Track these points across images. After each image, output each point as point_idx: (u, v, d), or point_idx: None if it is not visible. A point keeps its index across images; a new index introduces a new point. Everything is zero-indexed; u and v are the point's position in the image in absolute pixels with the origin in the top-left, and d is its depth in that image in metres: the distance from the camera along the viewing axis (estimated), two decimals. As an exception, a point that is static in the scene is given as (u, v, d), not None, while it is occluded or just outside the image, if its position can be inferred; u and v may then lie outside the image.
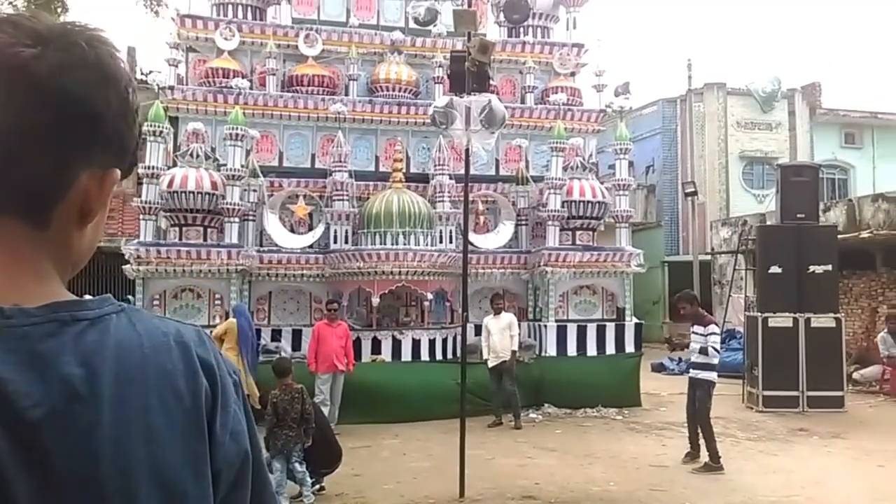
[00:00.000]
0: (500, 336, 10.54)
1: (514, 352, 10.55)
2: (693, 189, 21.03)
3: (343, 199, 12.22)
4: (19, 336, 0.71)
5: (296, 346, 11.67)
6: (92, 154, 0.81)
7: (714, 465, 8.04)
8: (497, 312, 10.78)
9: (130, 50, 19.59)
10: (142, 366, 0.76)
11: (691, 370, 8.57)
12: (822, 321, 11.75)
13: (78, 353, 0.73)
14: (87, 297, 0.82)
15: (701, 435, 8.21)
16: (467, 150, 7.43)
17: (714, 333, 8.26)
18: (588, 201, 12.57)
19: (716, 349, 8.25)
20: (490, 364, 10.57)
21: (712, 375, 8.33)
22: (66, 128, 0.78)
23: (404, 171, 12.76)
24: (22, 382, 0.68)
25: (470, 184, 12.39)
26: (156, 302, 11.47)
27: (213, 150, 12.22)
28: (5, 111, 0.75)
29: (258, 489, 0.86)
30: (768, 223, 16.20)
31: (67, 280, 0.84)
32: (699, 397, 8.30)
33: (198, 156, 11.73)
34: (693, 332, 8.40)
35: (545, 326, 12.27)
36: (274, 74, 12.93)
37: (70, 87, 0.77)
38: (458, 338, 10.65)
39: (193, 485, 0.77)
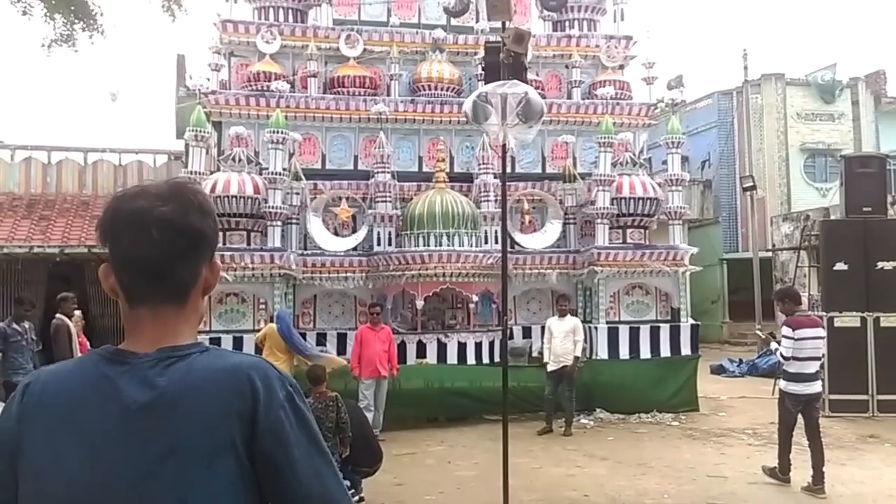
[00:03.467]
0: (563, 340, 10.28)
1: (576, 358, 10.29)
2: (752, 183, 20.34)
3: (386, 201, 12.16)
4: (136, 368, 1.32)
5: (341, 349, 11.63)
6: (207, 257, 1.42)
7: (781, 476, 7.53)
8: (562, 315, 10.53)
9: (180, 58, 19.89)
10: (200, 383, 1.32)
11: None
12: (893, 320, 11.10)
13: (165, 374, 1.32)
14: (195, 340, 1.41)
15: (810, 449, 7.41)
16: (504, 146, 7.12)
17: (784, 336, 7.41)
18: (639, 198, 12.27)
19: (782, 354, 7.49)
20: (550, 368, 10.34)
21: (783, 385, 7.49)
22: (194, 246, 1.37)
23: (448, 170, 12.65)
24: (130, 391, 1.30)
25: (516, 182, 12.84)
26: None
27: (255, 153, 12.24)
28: (160, 243, 1.34)
29: (290, 462, 1.35)
30: (832, 217, 15.51)
31: (198, 327, 1.46)
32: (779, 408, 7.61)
33: (240, 160, 11.75)
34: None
35: (596, 328, 11.99)
36: (315, 76, 12.92)
37: (192, 223, 1.36)
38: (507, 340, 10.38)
39: (222, 455, 1.30)
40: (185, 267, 1.38)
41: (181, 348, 1.37)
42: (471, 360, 11.68)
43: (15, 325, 8.29)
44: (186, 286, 1.40)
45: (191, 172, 11.53)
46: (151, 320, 1.38)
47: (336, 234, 12.44)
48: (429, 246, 11.75)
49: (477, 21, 13.39)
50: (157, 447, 1.29)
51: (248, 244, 11.63)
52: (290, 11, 13.63)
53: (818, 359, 7.49)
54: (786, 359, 7.37)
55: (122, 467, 1.29)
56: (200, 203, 1.41)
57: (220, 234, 11.35)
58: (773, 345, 7.91)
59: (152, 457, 1.29)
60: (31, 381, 1.39)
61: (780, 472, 7.55)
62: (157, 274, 1.36)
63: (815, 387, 7.45)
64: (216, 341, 10.35)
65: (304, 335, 11.02)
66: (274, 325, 9.80)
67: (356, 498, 6.89)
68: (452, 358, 11.62)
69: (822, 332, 7.53)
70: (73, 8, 8.32)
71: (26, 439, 1.33)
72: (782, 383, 7.52)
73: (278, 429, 1.33)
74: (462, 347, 11.70)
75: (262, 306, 11.44)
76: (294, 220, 12.00)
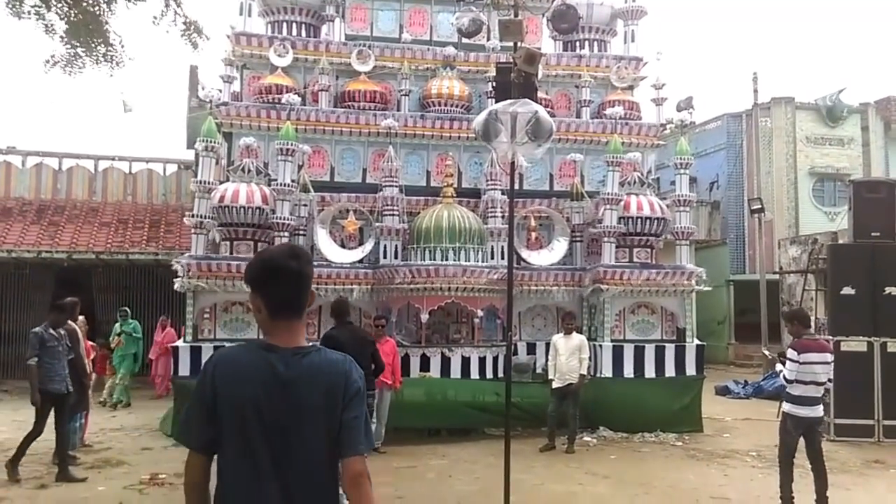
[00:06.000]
0: (569, 357, 10.30)
1: (581, 375, 10.32)
2: (760, 206, 20.35)
3: (393, 214, 12.26)
4: (282, 355, 2.33)
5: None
6: (311, 286, 2.46)
7: None
8: (568, 332, 10.55)
9: (193, 69, 20.10)
10: (318, 368, 2.33)
11: None
12: (900, 346, 11.03)
13: (299, 361, 2.33)
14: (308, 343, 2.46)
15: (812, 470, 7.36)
16: (512, 164, 7.19)
17: (788, 359, 7.34)
18: (646, 217, 12.32)
19: (785, 377, 7.37)
20: (555, 385, 10.35)
21: (786, 407, 7.39)
22: (308, 286, 2.44)
23: (456, 186, 12.74)
24: (280, 367, 2.31)
25: (523, 199, 12.91)
26: (206, 315, 11.60)
27: (265, 165, 12.38)
28: (288, 285, 2.39)
29: (352, 418, 2.36)
30: (840, 241, 15.52)
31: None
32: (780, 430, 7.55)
33: (249, 171, 11.89)
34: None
35: (601, 346, 12.00)
36: (327, 90, 13.06)
37: (305, 270, 2.43)
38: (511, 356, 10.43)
39: (331, 411, 2.32)
40: (304, 297, 2.44)
41: (306, 348, 2.40)
42: (474, 374, 11.73)
43: (52, 331, 8.24)
44: (303, 307, 2.46)
45: (200, 182, 11.65)
46: (286, 328, 2.40)
47: (343, 246, 12.55)
48: (435, 260, 11.83)
49: (488, 39, 13.53)
50: (299, 402, 2.31)
51: (247, 264, 11.63)
52: (303, 26, 13.82)
53: (822, 383, 7.42)
54: (789, 382, 7.32)
55: (279, 412, 2.31)
56: (307, 256, 2.50)
57: (228, 243, 11.82)
58: (778, 366, 7.86)
59: (296, 407, 2.31)
60: (219, 357, 2.42)
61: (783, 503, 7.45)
62: (290, 303, 2.41)
63: (818, 411, 7.39)
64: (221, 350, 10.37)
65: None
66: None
67: None
68: (456, 372, 11.66)
69: (829, 357, 7.43)
70: (93, 37, 8.39)
71: (223, 389, 2.33)
72: (785, 405, 7.45)
73: (351, 398, 2.35)
74: (466, 362, 11.75)
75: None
76: (301, 232, 12.11)
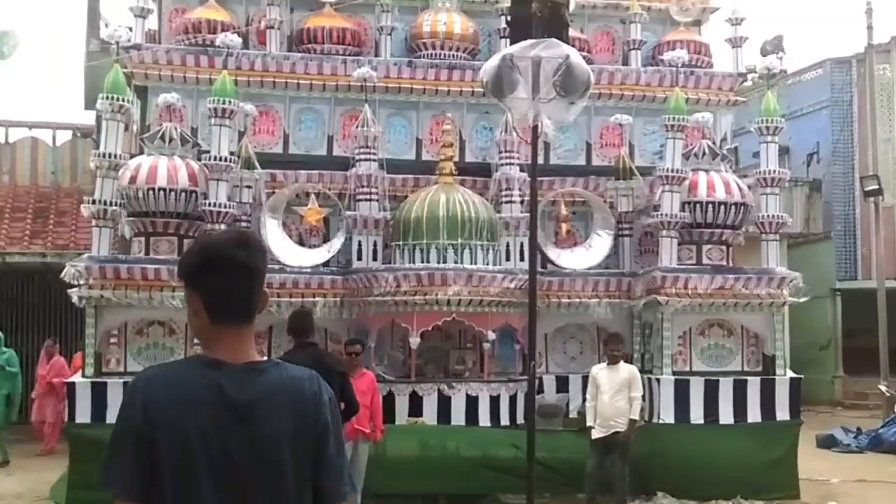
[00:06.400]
0: (614, 396, 10.30)
1: (632, 421, 10.32)
2: (876, 186, 20.35)
3: (371, 199, 12.21)
4: (234, 374, 2.44)
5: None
6: (263, 284, 2.60)
7: None
8: (613, 362, 10.57)
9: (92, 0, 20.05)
10: (280, 389, 2.46)
11: None
12: None
13: (253, 381, 2.45)
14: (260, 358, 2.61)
15: None
16: (535, 129, 7.30)
17: None
18: (720, 202, 12.31)
19: None
20: (595, 434, 10.36)
21: None
22: (259, 279, 2.57)
23: (457, 160, 12.69)
24: (232, 390, 2.40)
25: (550, 178, 12.77)
26: (113, 340, 11.58)
27: (192, 131, 12.32)
28: (236, 280, 2.50)
29: (328, 454, 2.53)
30: None
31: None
32: None
33: (171, 139, 11.78)
34: None
35: (658, 381, 12.02)
36: (277, 28, 13.03)
37: (257, 263, 2.56)
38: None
39: (298, 441, 2.45)
40: (256, 296, 2.56)
41: (261, 363, 2.55)
42: (484, 420, 11.72)
43: None
44: (255, 309, 2.56)
45: (103, 155, 11.61)
46: (234, 337, 2.52)
47: (301, 243, 12.48)
48: (429, 262, 11.81)
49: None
50: (257, 434, 2.41)
51: (180, 255, 11.36)
52: (245, -61, 13.79)
53: None
54: None
55: (233, 448, 2.39)
56: (262, 247, 2.66)
57: (142, 240, 11.89)
58: None
59: (254, 441, 2.41)
60: (148, 379, 2.50)
61: None
62: (238, 303, 2.52)
63: None
64: None
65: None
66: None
67: None
68: (459, 417, 11.66)
69: None
70: None
71: (157, 419, 2.37)
72: None
73: (325, 424, 2.51)
74: (472, 403, 11.73)
75: (198, 341, 11.40)
76: (243, 223, 12.05)
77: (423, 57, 13.27)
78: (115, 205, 11.64)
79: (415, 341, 11.66)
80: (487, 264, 11.97)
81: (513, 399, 11.97)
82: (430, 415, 11.62)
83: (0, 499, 11.65)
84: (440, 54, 13.25)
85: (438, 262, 11.83)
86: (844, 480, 13.08)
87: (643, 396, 10.84)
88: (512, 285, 11.78)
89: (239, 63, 12.69)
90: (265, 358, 2.57)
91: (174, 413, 2.37)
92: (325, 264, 12.28)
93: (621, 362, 10.62)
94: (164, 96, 12.27)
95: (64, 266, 11.93)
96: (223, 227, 11.58)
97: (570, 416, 12.07)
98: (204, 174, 11.72)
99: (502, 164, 12.59)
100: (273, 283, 11.76)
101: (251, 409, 2.40)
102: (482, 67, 8.45)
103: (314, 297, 12.02)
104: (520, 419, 11.79)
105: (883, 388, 18.37)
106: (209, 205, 11.56)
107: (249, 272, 2.51)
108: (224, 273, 2.47)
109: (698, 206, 12.31)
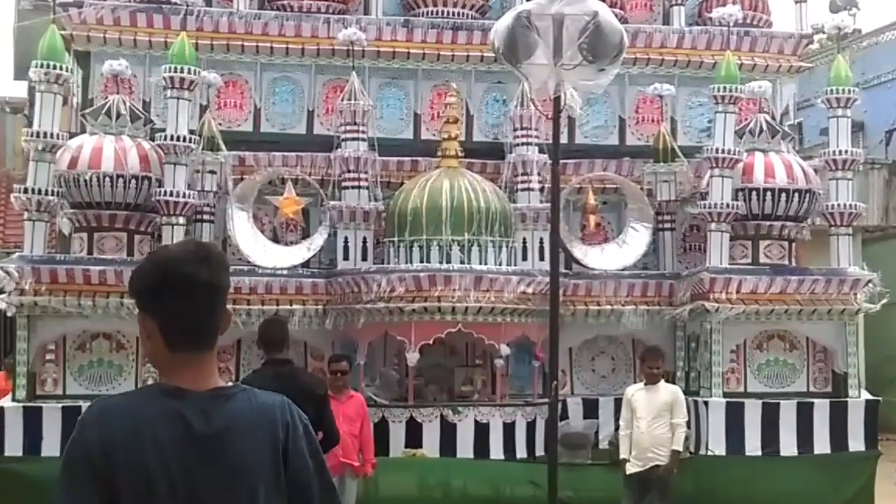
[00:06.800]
0: (653, 423, 10.19)
1: (675, 452, 10.21)
2: (968, 170, 20.26)
3: (360, 187, 12.25)
4: (198, 403, 2.53)
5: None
6: (225, 304, 2.74)
7: None
8: (651, 381, 10.45)
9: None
10: (249, 417, 2.57)
11: None
12: None
13: (220, 410, 2.55)
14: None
15: None
16: (557, 101, 7.42)
17: None
18: (780, 189, 12.33)
19: None
20: (630, 469, 10.24)
21: None
22: (221, 299, 2.68)
23: (463, 139, 12.72)
24: (196, 421, 2.49)
25: (576, 160, 12.82)
26: (49, 356, 11.59)
27: (144, 105, 12.34)
28: (195, 301, 2.58)
29: (309, 493, 2.66)
30: None
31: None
32: None
33: (119, 115, 11.79)
34: None
35: (706, 404, 12.02)
36: (247, -19, 13.10)
37: (219, 280, 2.66)
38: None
39: (273, 477, 2.56)
40: (217, 321, 2.65)
41: (227, 389, 2.65)
42: (496, 452, 11.76)
43: None
44: (216, 335, 2.66)
45: (37, 135, 11.57)
46: (195, 364, 2.59)
47: (276, 239, 12.55)
48: (429, 262, 11.86)
49: None
50: (228, 469, 2.50)
51: (130, 254, 11.73)
52: None
53: None
54: None
55: (201, 486, 2.49)
56: (223, 260, 2.76)
57: (85, 235, 11.95)
58: None
59: (225, 477, 2.51)
60: (102, 410, 2.55)
61: None
62: (197, 328, 2.61)
63: None
64: (74, 411, 10.44)
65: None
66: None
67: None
68: (466, 448, 11.68)
69: None
70: None
71: (115, 457, 2.44)
72: None
73: (301, 452, 2.62)
74: (482, 431, 11.77)
75: (153, 367, 11.37)
76: (206, 216, 12.14)
77: (422, 16, 13.32)
78: (52, 194, 11.57)
79: (413, 357, 11.68)
80: (500, 265, 12.00)
81: (531, 426, 11.99)
82: (431, 445, 11.64)
83: None
84: (442, 12, 13.30)
85: (441, 262, 11.87)
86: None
87: (688, 423, 10.79)
88: (530, 290, 11.80)
89: (200, 23, 12.70)
90: (230, 383, 2.75)
91: (134, 449, 2.43)
92: (305, 265, 12.33)
93: (661, 382, 10.56)
94: (111, 63, 12.18)
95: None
96: (181, 219, 11.70)
97: (600, 446, 12.14)
98: (158, 157, 11.71)
99: (518, 144, 12.62)
100: (242, 287, 11.82)
101: (218, 441, 2.49)
102: (493, 28, 8.44)
103: (291, 303, 12.03)
104: (539, 451, 11.82)
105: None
106: (165, 194, 11.52)
107: (211, 291, 2.61)
108: (182, 294, 2.55)
109: (754, 193, 12.33)
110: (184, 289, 2.54)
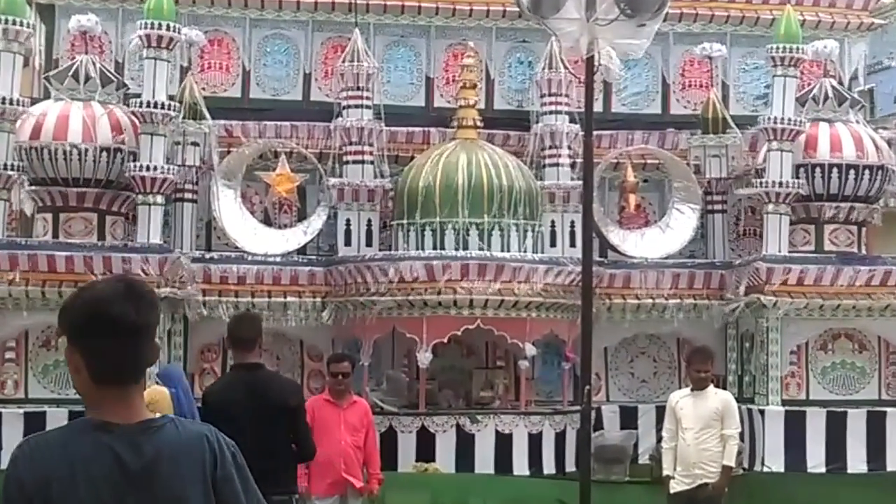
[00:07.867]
0: (701, 434, 9.99)
1: (726, 468, 10.05)
2: None
3: (363, 162, 12.03)
4: (127, 436, 2.79)
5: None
6: (154, 338, 3.09)
7: None
8: (699, 386, 10.20)
9: None
10: (178, 447, 2.84)
11: None
12: None
13: (149, 442, 2.81)
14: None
15: None
16: (590, 62, 7.12)
17: None
18: (849, 165, 12.00)
19: None
20: (674, 487, 10.08)
21: None
22: (151, 337, 2.98)
23: (482, 106, 12.55)
24: (126, 454, 2.76)
25: (612, 131, 12.78)
26: (9, 354, 11.51)
27: (117, 67, 12.26)
28: (121, 341, 2.75)
29: None
30: None
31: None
32: None
33: (88, 78, 11.65)
34: None
35: (762, 413, 11.76)
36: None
37: (149, 321, 2.88)
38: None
39: (197, 496, 2.84)
40: (150, 355, 3.00)
41: (154, 422, 2.92)
42: (520, 467, 11.72)
43: None
44: (145, 369, 3.01)
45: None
46: (121, 397, 2.85)
47: (267, 221, 12.50)
48: (443, 249, 11.65)
49: None
50: (158, 498, 2.82)
51: (101, 238, 11.70)
52: None
53: None
54: None
55: None
56: (154, 299, 3.01)
57: (49, 216, 11.90)
58: None
59: None
60: (31, 451, 2.82)
61: None
62: (122, 366, 2.86)
63: None
64: (37, 417, 10.78)
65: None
66: (162, 390, 10.16)
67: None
68: (485, 462, 11.67)
69: None
70: None
71: (54, 496, 2.73)
72: None
73: (230, 478, 2.93)
74: (504, 443, 11.70)
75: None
76: (188, 195, 12.09)
77: (436, -36, 13.02)
78: (11, 168, 11.54)
79: (425, 358, 11.51)
80: (525, 252, 11.81)
81: (560, 437, 11.89)
82: (445, 459, 11.52)
83: None
84: (457, -37, 13.02)
85: (457, 249, 11.66)
86: None
87: (741, 435, 10.68)
88: (559, 280, 11.62)
89: (180, -25, 12.47)
90: (158, 415, 2.91)
91: (68, 484, 2.62)
92: (301, 251, 12.27)
93: (710, 387, 10.39)
94: (78, 19, 11.95)
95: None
96: (159, 198, 11.58)
97: (640, 461, 12.01)
98: (133, 126, 11.59)
99: (545, 113, 12.39)
100: (229, 277, 11.87)
101: (148, 472, 2.68)
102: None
103: (285, 295, 11.89)
104: (570, 465, 11.68)
105: None
106: (140, 168, 11.34)
107: (138, 332, 2.75)
108: (109, 334, 2.69)
109: (818, 170, 12.10)
110: (111, 329, 2.69)
